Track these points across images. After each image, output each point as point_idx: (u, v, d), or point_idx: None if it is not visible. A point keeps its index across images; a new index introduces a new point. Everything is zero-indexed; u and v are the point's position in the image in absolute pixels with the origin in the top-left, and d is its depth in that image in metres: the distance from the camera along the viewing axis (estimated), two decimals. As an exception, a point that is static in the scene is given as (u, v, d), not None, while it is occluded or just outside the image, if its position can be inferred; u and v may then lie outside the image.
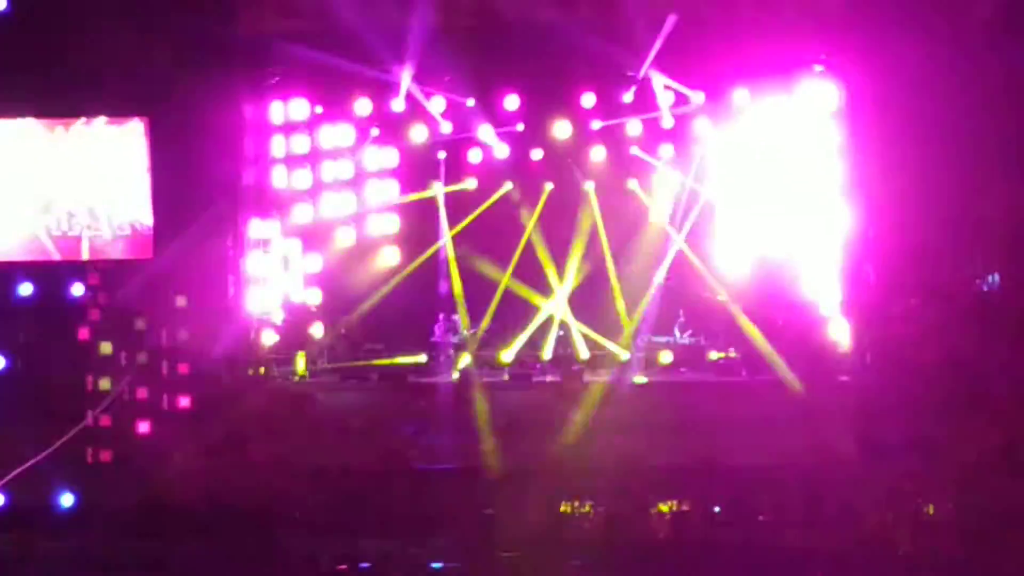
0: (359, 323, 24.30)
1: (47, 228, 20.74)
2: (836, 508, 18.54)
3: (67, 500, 19.59)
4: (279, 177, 22.68)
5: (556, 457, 19.66)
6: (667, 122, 23.46)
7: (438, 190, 25.20)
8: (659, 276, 24.59)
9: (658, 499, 19.03)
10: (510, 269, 24.77)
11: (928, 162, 19.77)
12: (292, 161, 22.89)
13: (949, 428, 19.14)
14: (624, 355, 23.28)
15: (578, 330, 24.47)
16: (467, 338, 24.20)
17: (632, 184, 25.09)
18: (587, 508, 19.02)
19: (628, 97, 22.93)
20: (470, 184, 25.18)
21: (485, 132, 23.64)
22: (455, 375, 22.83)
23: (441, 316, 24.56)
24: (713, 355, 23.31)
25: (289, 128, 22.71)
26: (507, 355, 23.62)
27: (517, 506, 18.97)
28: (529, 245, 25.12)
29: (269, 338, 22.08)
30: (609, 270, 25.02)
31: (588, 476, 19.40)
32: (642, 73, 22.18)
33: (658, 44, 21.12)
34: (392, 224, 24.91)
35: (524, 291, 24.67)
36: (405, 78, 22.21)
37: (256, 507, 18.59)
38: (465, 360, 23.34)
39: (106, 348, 20.59)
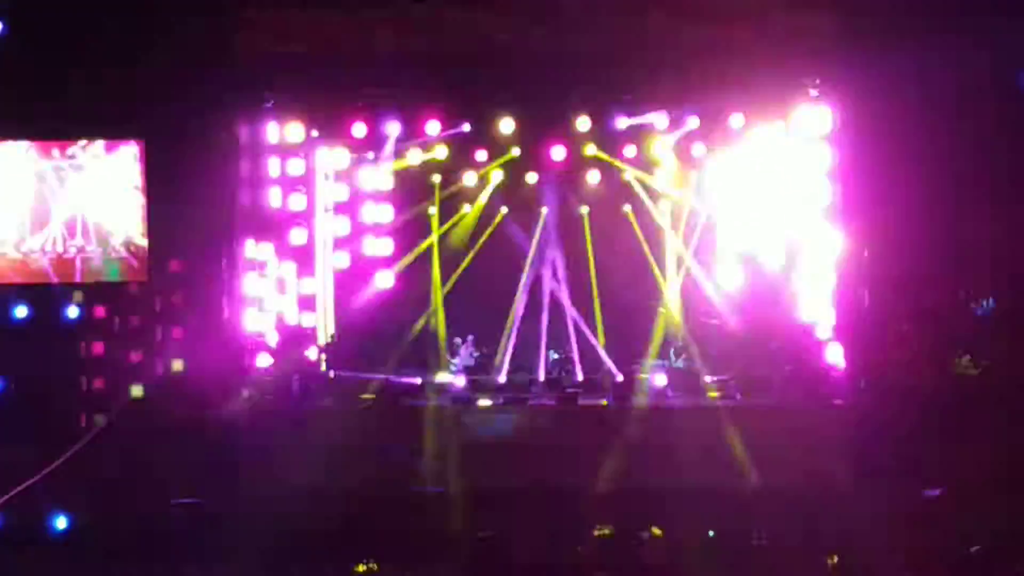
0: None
1: (42, 250, 20.76)
2: (831, 532, 18.53)
3: (61, 523, 19.59)
4: (274, 199, 22.65)
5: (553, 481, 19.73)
6: (661, 147, 23.60)
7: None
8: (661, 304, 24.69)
9: (652, 523, 18.99)
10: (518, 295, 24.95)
11: (922, 186, 19.81)
12: (287, 183, 22.88)
13: (945, 453, 19.16)
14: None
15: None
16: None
17: (627, 209, 25.17)
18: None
19: (623, 123, 22.94)
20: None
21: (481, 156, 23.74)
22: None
23: (469, 339, 24.53)
24: (708, 379, 23.27)
25: (284, 150, 22.69)
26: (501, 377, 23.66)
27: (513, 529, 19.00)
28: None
29: (263, 360, 22.03)
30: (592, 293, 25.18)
31: (583, 500, 19.43)
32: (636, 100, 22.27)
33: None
34: (387, 247, 24.96)
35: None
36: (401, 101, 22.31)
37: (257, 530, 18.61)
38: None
39: (101, 370, 20.63)
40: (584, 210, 25.39)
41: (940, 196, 19.87)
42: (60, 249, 20.79)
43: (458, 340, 25.04)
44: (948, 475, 19.14)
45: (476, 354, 24.88)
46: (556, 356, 25.08)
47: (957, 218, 19.98)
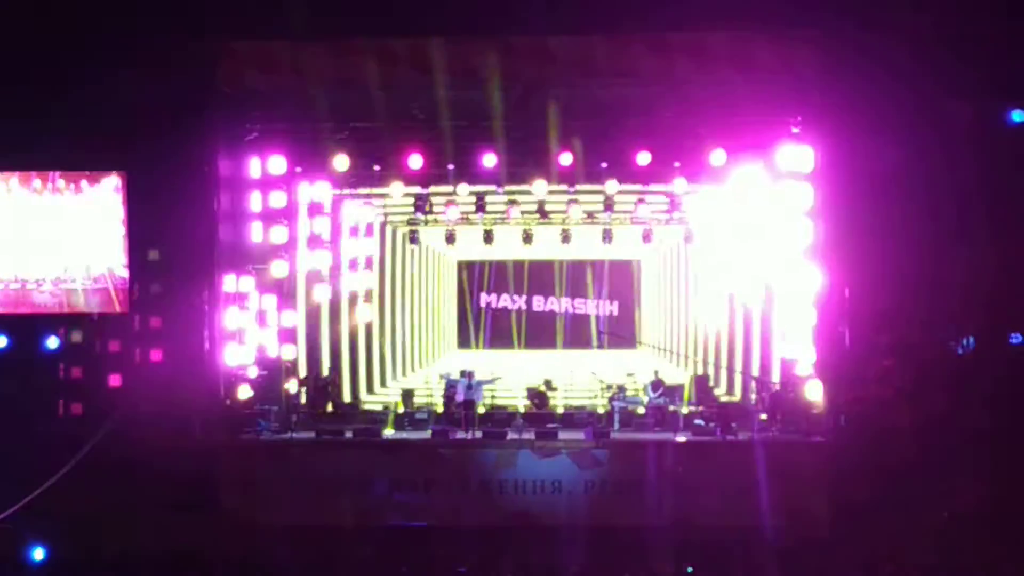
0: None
1: (23, 281, 20.73)
2: (810, 570, 18.57)
3: (39, 554, 19.54)
4: (256, 232, 22.62)
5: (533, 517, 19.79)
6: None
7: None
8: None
9: (630, 561, 19.01)
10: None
11: (903, 224, 19.88)
12: (269, 216, 22.86)
13: (923, 490, 19.20)
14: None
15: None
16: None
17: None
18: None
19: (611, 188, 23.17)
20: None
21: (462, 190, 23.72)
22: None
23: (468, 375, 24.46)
24: (684, 411, 23.29)
25: (266, 183, 22.67)
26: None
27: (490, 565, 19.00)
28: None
29: (244, 393, 21.97)
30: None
31: (561, 537, 19.45)
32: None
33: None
34: (368, 280, 25.01)
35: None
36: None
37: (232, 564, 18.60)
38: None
39: (80, 399, 20.60)
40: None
41: (920, 235, 19.94)
42: (41, 280, 20.76)
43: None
44: (928, 511, 19.21)
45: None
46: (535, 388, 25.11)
47: (937, 256, 20.06)
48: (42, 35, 20.00)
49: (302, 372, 24.03)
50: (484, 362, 26.63)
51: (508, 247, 26.87)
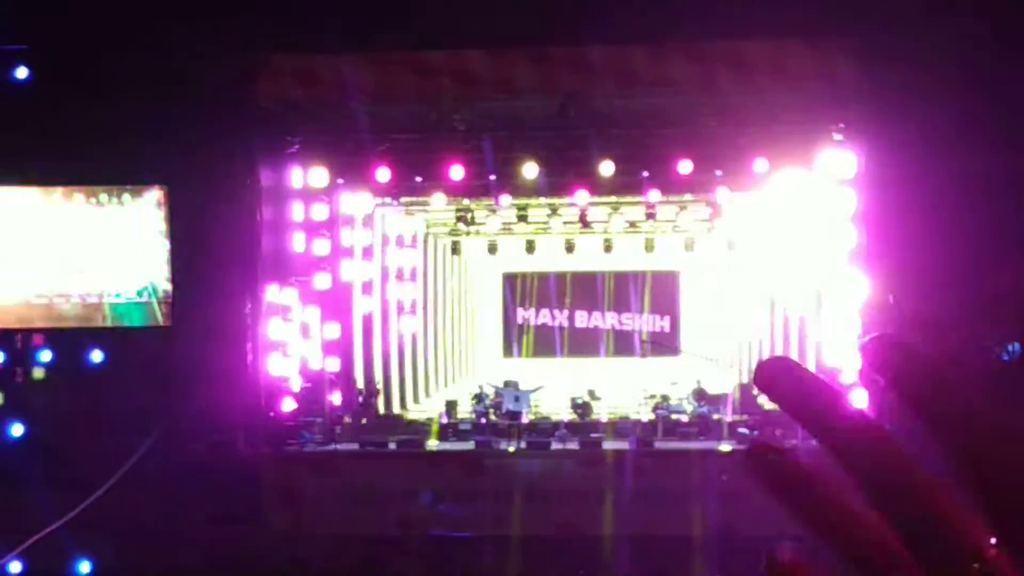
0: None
1: (67, 295, 20.85)
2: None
3: (85, 567, 19.61)
4: (298, 243, 22.69)
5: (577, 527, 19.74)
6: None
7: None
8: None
9: (674, 571, 18.97)
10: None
11: (947, 230, 19.77)
12: (311, 228, 22.92)
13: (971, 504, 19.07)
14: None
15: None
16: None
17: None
18: None
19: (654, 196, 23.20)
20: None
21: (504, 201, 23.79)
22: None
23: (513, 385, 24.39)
24: (729, 420, 23.24)
25: (308, 195, 22.75)
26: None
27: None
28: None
29: (287, 405, 22.03)
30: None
31: (606, 547, 19.41)
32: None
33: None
34: (411, 291, 25.07)
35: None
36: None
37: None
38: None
39: (125, 415, 20.65)
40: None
41: (965, 240, 19.82)
42: (85, 294, 20.88)
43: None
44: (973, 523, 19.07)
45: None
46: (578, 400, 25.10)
47: (982, 262, 19.94)
48: (85, 51, 20.12)
49: (345, 384, 24.09)
50: (528, 371, 26.64)
51: (551, 258, 26.88)
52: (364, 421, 23.82)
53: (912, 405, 1.14)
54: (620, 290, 28.56)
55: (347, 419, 23.40)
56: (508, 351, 28.81)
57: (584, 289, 28.59)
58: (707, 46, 20.14)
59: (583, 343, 28.59)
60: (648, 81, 20.48)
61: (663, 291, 28.77)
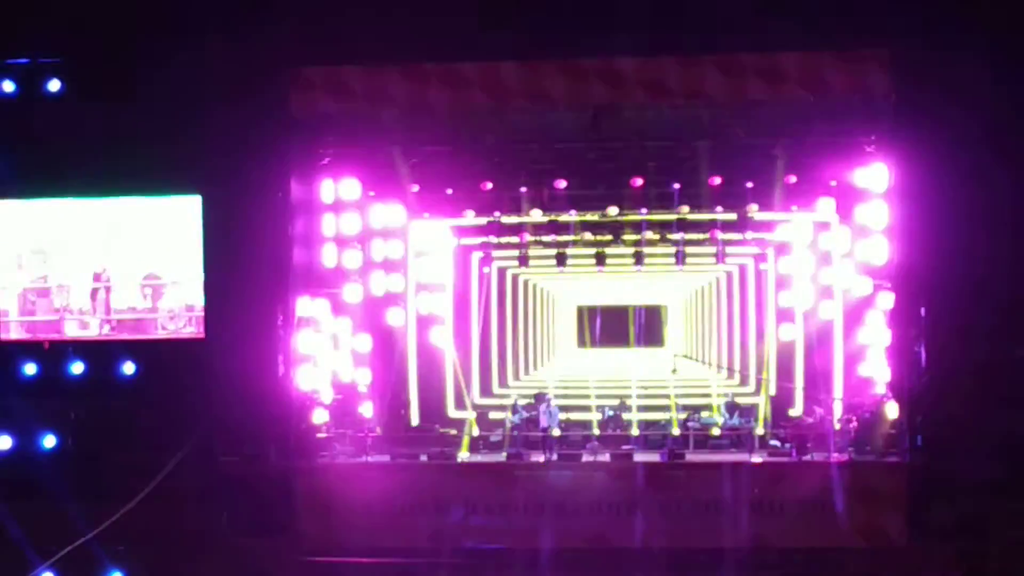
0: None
1: (99, 306, 20.93)
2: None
3: (116, 579, 19.73)
4: (329, 256, 22.70)
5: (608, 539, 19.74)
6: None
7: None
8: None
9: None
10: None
11: (979, 241, 19.72)
12: (342, 240, 22.95)
13: (1002, 510, 19.01)
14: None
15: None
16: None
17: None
18: None
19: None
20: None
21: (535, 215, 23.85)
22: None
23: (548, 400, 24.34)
24: (760, 432, 23.19)
25: (339, 207, 22.77)
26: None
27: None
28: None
29: (318, 416, 22.04)
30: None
31: (637, 559, 19.40)
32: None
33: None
34: (442, 303, 25.08)
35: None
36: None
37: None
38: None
39: (157, 426, 20.71)
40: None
41: (997, 251, 19.76)
42: (118, 306, 20.96)
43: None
44: (1009, 532, 19.01)
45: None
46: (610, 412, 25.06)
47: (1014, 274, 19.87)
48: (120, 63, 20.24)
49: (376, 395, 24.09)
50: (561, 377, 26.66)
51: (581, 269, 26.79)
52: (395, 433, 23.74)
53: None
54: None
55: (378, 430, 23.38)
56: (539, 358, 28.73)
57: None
58: (738, 58, 20.12)
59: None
60: (679, 93, 20.43)
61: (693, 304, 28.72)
